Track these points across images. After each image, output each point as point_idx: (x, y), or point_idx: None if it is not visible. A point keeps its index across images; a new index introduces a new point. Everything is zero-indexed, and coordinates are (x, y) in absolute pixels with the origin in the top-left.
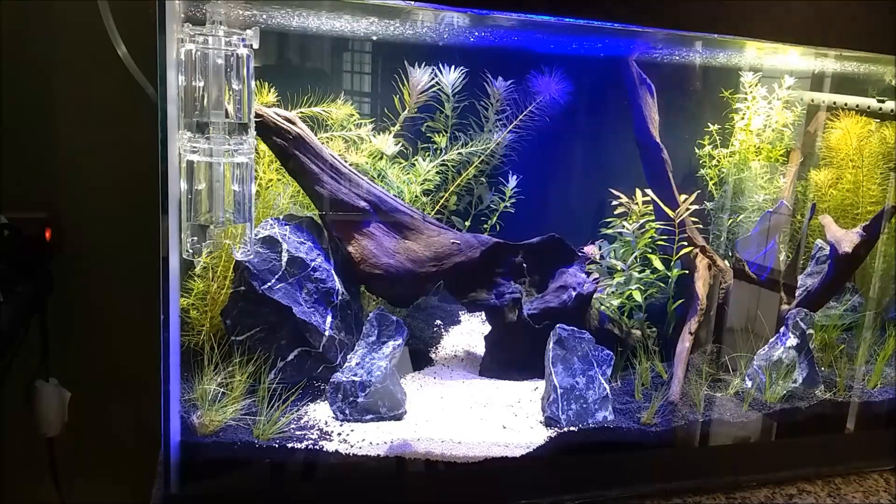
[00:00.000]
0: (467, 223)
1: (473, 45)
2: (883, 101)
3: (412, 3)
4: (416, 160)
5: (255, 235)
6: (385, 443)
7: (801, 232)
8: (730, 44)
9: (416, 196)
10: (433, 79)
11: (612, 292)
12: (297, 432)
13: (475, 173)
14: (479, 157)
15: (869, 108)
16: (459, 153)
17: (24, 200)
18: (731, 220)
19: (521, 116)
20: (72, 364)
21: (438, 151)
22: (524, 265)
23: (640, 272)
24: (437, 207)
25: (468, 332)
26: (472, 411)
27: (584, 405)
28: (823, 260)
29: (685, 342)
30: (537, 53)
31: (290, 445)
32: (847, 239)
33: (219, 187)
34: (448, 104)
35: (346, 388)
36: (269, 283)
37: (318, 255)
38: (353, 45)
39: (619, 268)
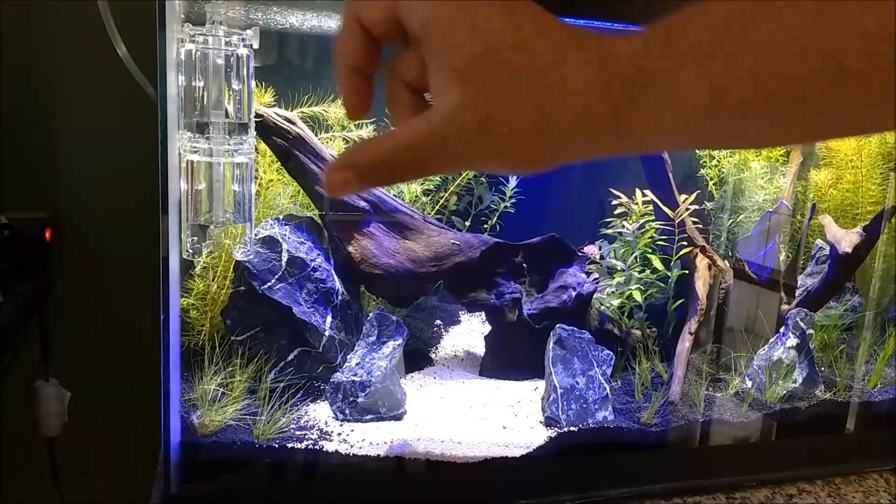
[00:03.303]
0: (467, 223)
1: None
2: None
3: None
4: None
5: (255, 235)
6: (385, 443)
7: (801, 232)
8: None
9: (417, 196)
10: None
11: (612, 292)
12: (297, 432)
13: (475, 173)
14: None
15: None
16: None
17: (24, 200)
18: (731, 220)
19: None
20: (72, 364)
21: None
22: (524, 265)
23: (640, 272)
24: (437, 207)
25: (468, 332)
26: (472, 411)
27: (584, 405)
28: (823, 260)
29: (685, 342)
30: None
31: (290, 445)
32: (847, 239)
33: (219, 187)
34: None
35: (346, 388)
36: (269, 283)
37: (318, 255)
38: None
39: (619, 268)
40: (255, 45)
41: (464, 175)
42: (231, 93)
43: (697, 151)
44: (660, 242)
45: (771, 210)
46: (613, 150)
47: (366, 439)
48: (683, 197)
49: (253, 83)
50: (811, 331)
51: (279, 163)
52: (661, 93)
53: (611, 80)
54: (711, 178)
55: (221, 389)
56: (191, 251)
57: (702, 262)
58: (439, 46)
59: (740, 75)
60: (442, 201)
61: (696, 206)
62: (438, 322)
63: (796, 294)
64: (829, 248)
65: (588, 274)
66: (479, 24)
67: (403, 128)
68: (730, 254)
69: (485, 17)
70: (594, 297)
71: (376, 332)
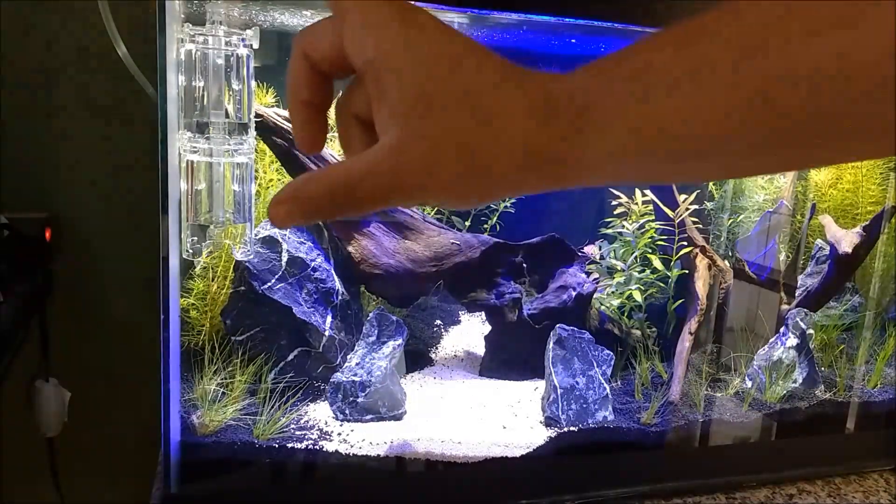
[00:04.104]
0: (467, 223)
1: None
2: None
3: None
4: None
5: (255, 235)
6: (385, 443)
7: (801, 232)
8: None
9: None
10: None
11: (612, 292)
12: (297, 432)
13: None
14: None
15: None
16: None
17: (24, 200)
18: (731, 220)
19: None
20: (72, 364)
21: None
22: (524, 265)
23: (640, 272)
24: (437, 207)
25: (468, 332)
26: (472, 411)
27: (584, 405)
28: (823, 260)
29: (685, 342)
30: (537, 53)
31: (290, 445)
32: (847, 239)
33: (219, 187)
34: None
35: (346, 388)
36: (269, 283)
37: (318, 255)
38: None
39: (619, 268)
40: (255, 45)
41: None
42: (231, 93)
43: None
44: (660, 242)
45: (771, 210)
46: (553, 187)
47: (366, 439)
48: (683, 197)
49: (253, 83)
50: (811, 331)
51: (279, 163)
52: (598, 136)
53: (550, 123)
54: None
55: (221, 389)
56: (191, 251)
57: (702, 262)
58: (381, 84)
59: (670, 125)
60: None
61: (696, 206)
62: (438, 322)
63: (796, 294)
64: (829, 248)
65: (588, 274)
66: (420, 62)
67: (351, 160)
68: (730, 254)
69: (424, 54)
70: (594, 297)
71: (376, 332)
